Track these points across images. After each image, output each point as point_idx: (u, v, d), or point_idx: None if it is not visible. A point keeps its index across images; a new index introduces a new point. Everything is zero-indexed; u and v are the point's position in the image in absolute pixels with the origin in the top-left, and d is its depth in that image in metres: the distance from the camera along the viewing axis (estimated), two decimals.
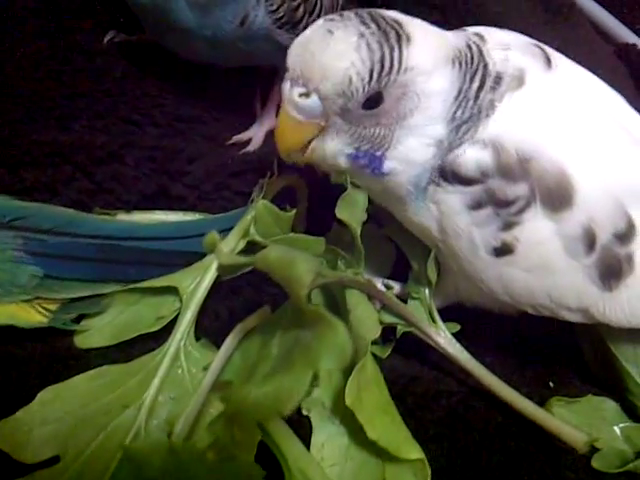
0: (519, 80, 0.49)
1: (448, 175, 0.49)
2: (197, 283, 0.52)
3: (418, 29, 0.47)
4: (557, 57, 0.53)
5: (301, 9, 0.64)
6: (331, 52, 0.44)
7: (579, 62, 0.82)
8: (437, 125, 0.48)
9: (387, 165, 0.49)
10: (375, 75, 0.44)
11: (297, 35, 0.65)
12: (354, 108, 0.46)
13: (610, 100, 0.55)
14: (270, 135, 0.73)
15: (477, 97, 0.48)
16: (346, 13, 0.47)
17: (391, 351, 0.60)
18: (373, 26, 0.45)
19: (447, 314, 0.60)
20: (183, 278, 0.52)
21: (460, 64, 0.48)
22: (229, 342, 0.44)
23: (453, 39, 0.49)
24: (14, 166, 0.58)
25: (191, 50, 0.66)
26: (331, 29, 0.45)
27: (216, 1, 0.59)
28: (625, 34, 0.89)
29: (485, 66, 0.49)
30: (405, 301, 0.60)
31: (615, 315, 0.52)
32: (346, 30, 0.45)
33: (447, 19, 0.83)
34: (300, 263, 0.38)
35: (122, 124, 0.65)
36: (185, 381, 0.50)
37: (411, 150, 0.48)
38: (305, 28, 0.65)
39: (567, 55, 0.82)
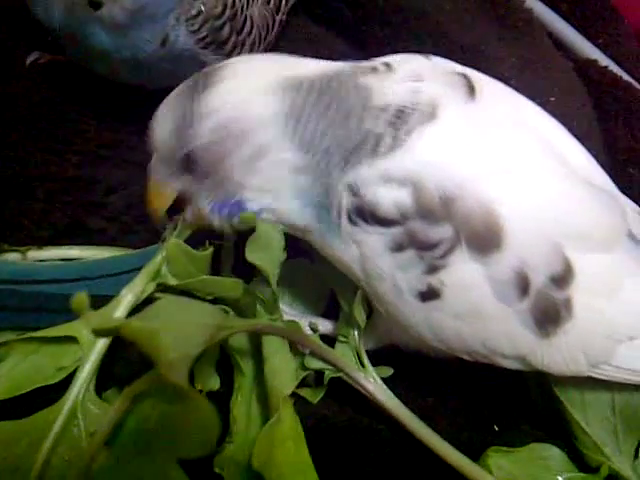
0: (430, 114, 0.45)
1: (367, 215, 0.45)
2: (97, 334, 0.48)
3: (228, 71, 0.47)
4: (485, 85, 0.49)
5: (226, 28, 0.61)
6: (156, 115, 0.48)
7: (536, 80, 0.79)
8: (276, 152, 0.46)
9: (250, 206, 0.48)
10: (179, 133, 0.46)
11: (225, 55, 0.62)
12: (179, 169, 0.48)
13: (547, 130, 0.50)
14: None
15: (346, 126, 0.45)
16: None
17: (324, 395, 0.57)
18: (189, 83, 0.47)
19: (387, 353, 0.57)
20: (83, 326, 0.48)
21: (298, 91, 0.46)
22: (118, 405, 0.40)
23: (310, 69, 0.48)
24: None
25: (114, 72, 0.63)
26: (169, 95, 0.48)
27: (130, 23, 0.55)
28: (587, 49, 0.85)
29: (365, 97, 0.46)
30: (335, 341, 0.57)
31: (555, 363, 0.49)
32: (172, 93, 0.48)
33: (398, 35, 0.80)
34: (175, 338, 0.34)
35: (38, 153, 0.61)
36: (81, 442, 0.45)
37: (264, 183, 0.47)
38: (234, 48, 0.62)
39: (523, 72, 0.80)
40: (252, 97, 0.46)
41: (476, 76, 0.50)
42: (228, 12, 0.60)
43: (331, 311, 0.59)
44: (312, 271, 0.59)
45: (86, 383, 0.47)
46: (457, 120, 0.46)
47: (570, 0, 0.90)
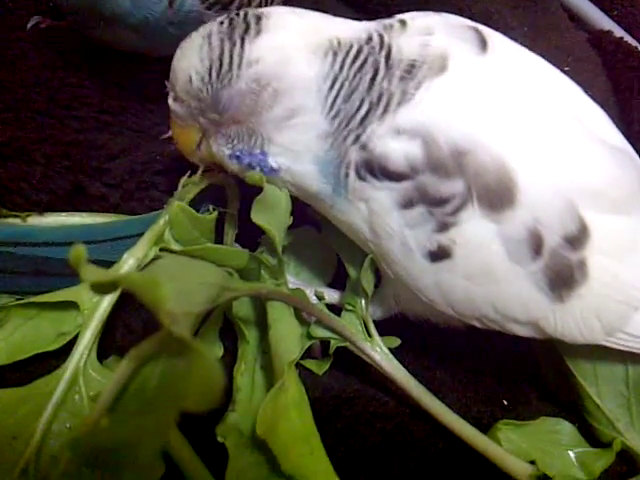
0: (439, 66, 0.44)
1: (375, 169, 0.44)
2: (100, 297, 0.46)
3: (278, 21, 0.46)
4: (497, 40, 0.48)
5: None
6: (178, 55, 0.47)
7: (548, 49, 0.77)
8: (310, 115, 0.45)
9: (272, 162, 0.47)
10: (214, 73, 0.45)
11: None
12: (208, 109, 0.46)
13: (562, 89, 0.49)
14: None
15: (371, 87, 0.44)
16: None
17: (330, 366, 0.55)
18: (225, 24, 0.46)
19: (395, 324, 0.56)
20: (84, 291, 0.46)
21: (335, 54, 0.45)
22: (122, 369, 0.38)
23: (344, 30, 0.46)
24: None
25: (120, 39, 0.61)
26: (192, 34, 0.47)
27: None
28: (601, 20, 0.83)
29: (387, 55, 0.45)
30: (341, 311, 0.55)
31: (568, 329, 0.47)
32: (197, 32, 0.46)
33: (407, 3, 0.77)
34: (164, 285, 0.33)
35: (38, 117, 0.59)
36: (83, 408, 0.44)
37: (290, 143, 0.46)
38: (239, 8, 0.60)
39: (536, 41, 0.78)
40: (297, 56, 0.45)
41: (488, 31, 0.48)
42: None
43: (338, 282, 0.58)
44: (319, 240, 0.58)
45: (87, 349, 0.46)
46: (467, 72, 0.45)
47: None
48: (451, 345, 0.58)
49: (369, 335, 0.53)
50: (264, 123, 0.46)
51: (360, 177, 0.45)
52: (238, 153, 0.48)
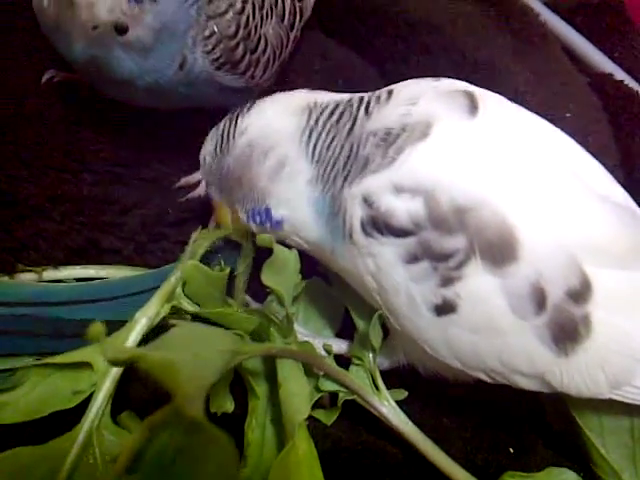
0: (421, 133, 0.47)
1: (381, 226, 0.46)
2: None
3: (268, 99, 0.54)
4: (490, 102, 0.49)
5: (240, 48, 0.60)
6: (205, 140, 0.56)
7: (550, 94, 0.79)
8: (296, 163, 0.50)
9: (276, 215, 0.52)
10: (218, 148, 0.54)
11: (240, 75, 0.62)
12: (219, 181, 0.55)
13: (559, 145, 0.50)
14: None
15: (349, 135, 0.49)
16: None
17: (339, 416, 0.56)
18: (234, 111, 0.55)
19: (401, 373, 0.56)
20: (97, 352, 0.48)
21: (311, 111, 0.51)
22: (137, 436, 0.40)
23: (327, 97, 0.53)
24: None
25: (131, 97, 0.63)
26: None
27: (153, 44, 0.55)
28: (602, 62, 0.84)
29: (365, 111, 0.50)
30: (350, 361, 0.56)
31: (574, 383, 0.48)
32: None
33: (412, 49, 0.79)
34: (192, 368, 0.34)
35: (53, 172, 0.61)
36: (97, 469, 0.45)
37: (284, 192, 0.51)
38: (248, 67, 0.62)
39: (538, 87, 0.79)
40: (277, 117, 0.52)
41: (481, 94, 0.50)
42: (242, 32, 0.60)
43: (345, 331, 0.59)
44: (327, 291, 0.59)
45: (101, 410, 0.47)
46: (452, 136, 0.47)
47: (585, 13, 0.90)
48: (457, 393, 0.59)
49: (377, 388, 0.54)
50: (260, 178, 0.52)
51: (366, 233, 0.47)
52: (250, 213, 0.54)
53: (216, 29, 0.58)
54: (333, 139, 0.50)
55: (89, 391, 0.49)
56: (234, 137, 0.53)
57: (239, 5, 0.59)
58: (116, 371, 0.48)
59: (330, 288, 0.59)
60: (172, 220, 0.63)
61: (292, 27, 0.68)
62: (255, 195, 0.53)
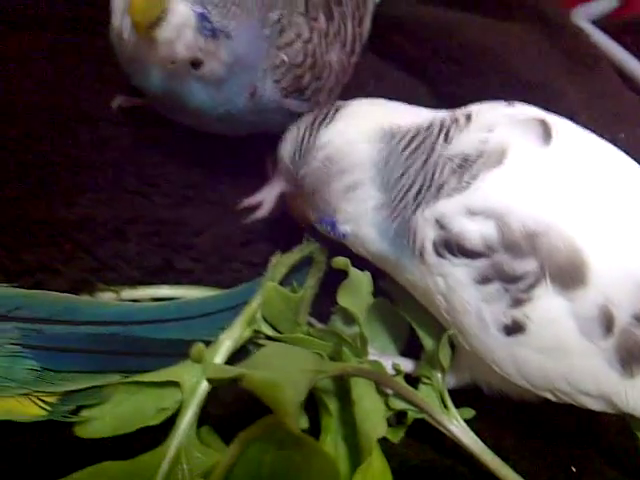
0: (496, 160, 0.48)
1: (453, 247, 0.48)
2: (199, 376, 0.50)
3: (349, 111, 0.55)
4: (562, 130, 0.51)
5: (307, 76, 0.62)
6: (282, 143, 0.58)
7: (604, 115, 0.80)
8: (367, 189, 0.52)
9: (341, 228, 0.55)
10: (296, 155, 0.55)
11: (305, 101, 0.64)
12: (297, 183, 0.56)
13: (628, 172, 0.51)
14: (281, 199, 0.71)
15: (423, 167, 0.50)
16: None
17: (405, 434, 0.58)
18: (312, 116, 0.56)
19: (467, 391, 0.58)
20: (184, 371, 0.50)
21: (392, 137, 0.52)
22: (231, 451, 0.42)
23: (408, 118, 0.54)
24: (14, 248, 0.58)
25: (201, 124, 0.65)
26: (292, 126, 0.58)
27: (227, 77, 0.58)
28: None
29: (444, 141, 0.51)
30: (417, 379, 0.58)
31: None
32: (296, 124, 0.57)
33: (465, 71, 0.81)
34: (287, 387, 0.36)
35: (128, 195, 0.64)
36: None
37: (352, 212, 0.54)
38: (313, 93, 0.65)
39: (592, 108, 0.80)
40: (358, 139, 0.53)
41: (554, 121, 0.51)
42: (309, 60, 0.62)
43: (411, 349, 0.61)
44: (392, 310, 0.61)
45: (189, 428, 0.49)
46: (526, 163, 0.48)
47: (634, 31, 0.91)
48: (520, 412, 0.60)
49: (445, 407, 0.55)
50: (332, 194, 0.54)
51: (438, 254, 0.49)
52: (320, 219, 0.57)
53: (285, 58, 0.60)
54: (408, 168, 0.51)
55: (174, 409, 0.51)
56: (313, 149, 0.54)
57: (307, 34, 0.62)
58: (203, 390, 0.50)
59: (395, 307, 0.61)
60: (240, 241, 0.65)
61: (353, 52, 0.70)
62: (327, 207, 0.55)
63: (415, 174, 0.51)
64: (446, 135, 0.51)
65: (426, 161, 0.50)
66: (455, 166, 0.49)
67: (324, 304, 0.61)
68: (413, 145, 0.52)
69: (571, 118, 0.77)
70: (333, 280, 0.58)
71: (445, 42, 0.83)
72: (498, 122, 0.51)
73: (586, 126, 0.73)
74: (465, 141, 0.50)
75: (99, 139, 0.68)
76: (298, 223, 0.62)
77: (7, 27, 0.77)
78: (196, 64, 0.55)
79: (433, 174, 0.50)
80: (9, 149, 0.65)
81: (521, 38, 0.82)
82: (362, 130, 0.53)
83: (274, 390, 0.36)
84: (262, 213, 0.70)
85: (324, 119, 0.55)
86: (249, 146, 0.70)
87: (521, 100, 0.73)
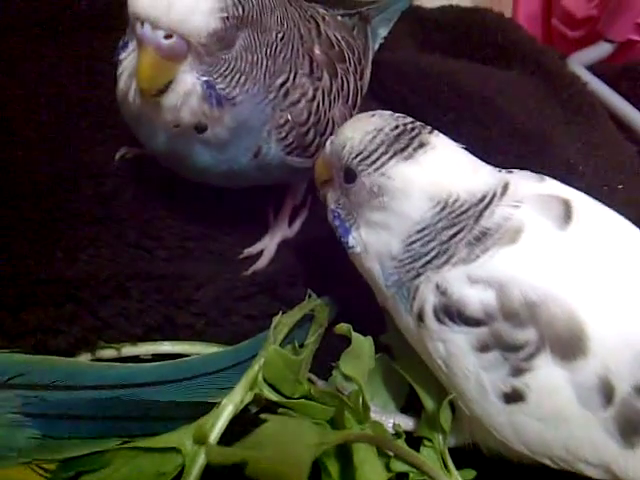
0: (510, 238, 0.49)
1: (454, 314, 0.49)
2: (202, 445, 0.50)
3: (428, 156, 0.51)
4: (583, 211, 0.51)
5: (311, 133, 0.63)
6: (350, 124, 0.56)
7: (601, 165, 0.80)
8: (393, 238, 0.52)
9: (350, 239, 0.55)
10: (358, 158, 0.52)
11: (308, 157, 0.65)
12: (339, 172, 0.55)
13: (635, 245, 0.52)
14: (281, 249, 0.72)
15: (447, 242, 0.50)
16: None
17: None
18: (396, 132, 0.52)
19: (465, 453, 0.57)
20: (185, 437, 0.50)
21: (443, 208, 0.51)
22: None
23: (470, 184, 0.51)
24: (15, 308, 0.58)
25: (205, 180, 0.66)
26: (370, 117, 0.55)
27: (231, 140, 0.59)
28: None
29: (475, 220, 0.50)
30: (418, 438, 0.58)
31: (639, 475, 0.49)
32: (375, 119, 0.54)
33: (462, 120, 0.82)
34: (291, 470, 0.36)
35: (131, 250, 0.64)
36: None
37: (367, 241, 0.54)
38: (316, 149, 0.65)
39: (590, 158, 0.81)
40: (415, 198, 0.51)
41: (578, 203, 0.51)
42: (313, 118, 0.63)
43: (412, 402, 0.61)
44: (392, 367, 0.61)
45: None
46: (538, 245, 0.49)
47: (629, 77, 0.92)
48: (521, 474, 0.59)
49: (447, 469, 0.55)
50: (364, 216, 0.54)
51: (438, 320, 0.50)
52: (336, 213, 0.56)
53: (290, 117, 0.61)
54: (432, 240, 0.50)
55: (173, 473, 0.51)
56: (376, 170, 0.51)
57: (311, 93, 0.63)
58: (204, 457, 0.50)
59: (395, 364, 0.61)
60: (241, 294, 0.65)
61: (355, 106, 0.71)
62: (350, 215, 0.55)
63: (439, 246, 0.50)
64: (485, 208, 0.50)
65: (452, 238, 0.50)
66: (472, 239, 0.50)
67: (325, 358, 0.61)
68: (452, 221, 0.50)
69: (570, 169, 0.78)
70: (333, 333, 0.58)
71: (445, 91, 0.84)
72: (525, 199, 0.51)
73: (585, 177, 0.74)
74: (491, 216, 0.50)
75: (104, 194, 0.68)
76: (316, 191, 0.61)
77: (9, 78, 0.77)
78: (200, 129, 0.56)
79: (448, 249, 0.50)
80: (9, 205, 0.65)
81: (520, 88, 0.83)
82: (426, 189, 0.51)
83: (274, 474, 0.36)
84: (263, 262, 0.71)
85: (404, 149, 0.51)
86: (250, 196, 0.71)
87: (520, 151, 0.74)
